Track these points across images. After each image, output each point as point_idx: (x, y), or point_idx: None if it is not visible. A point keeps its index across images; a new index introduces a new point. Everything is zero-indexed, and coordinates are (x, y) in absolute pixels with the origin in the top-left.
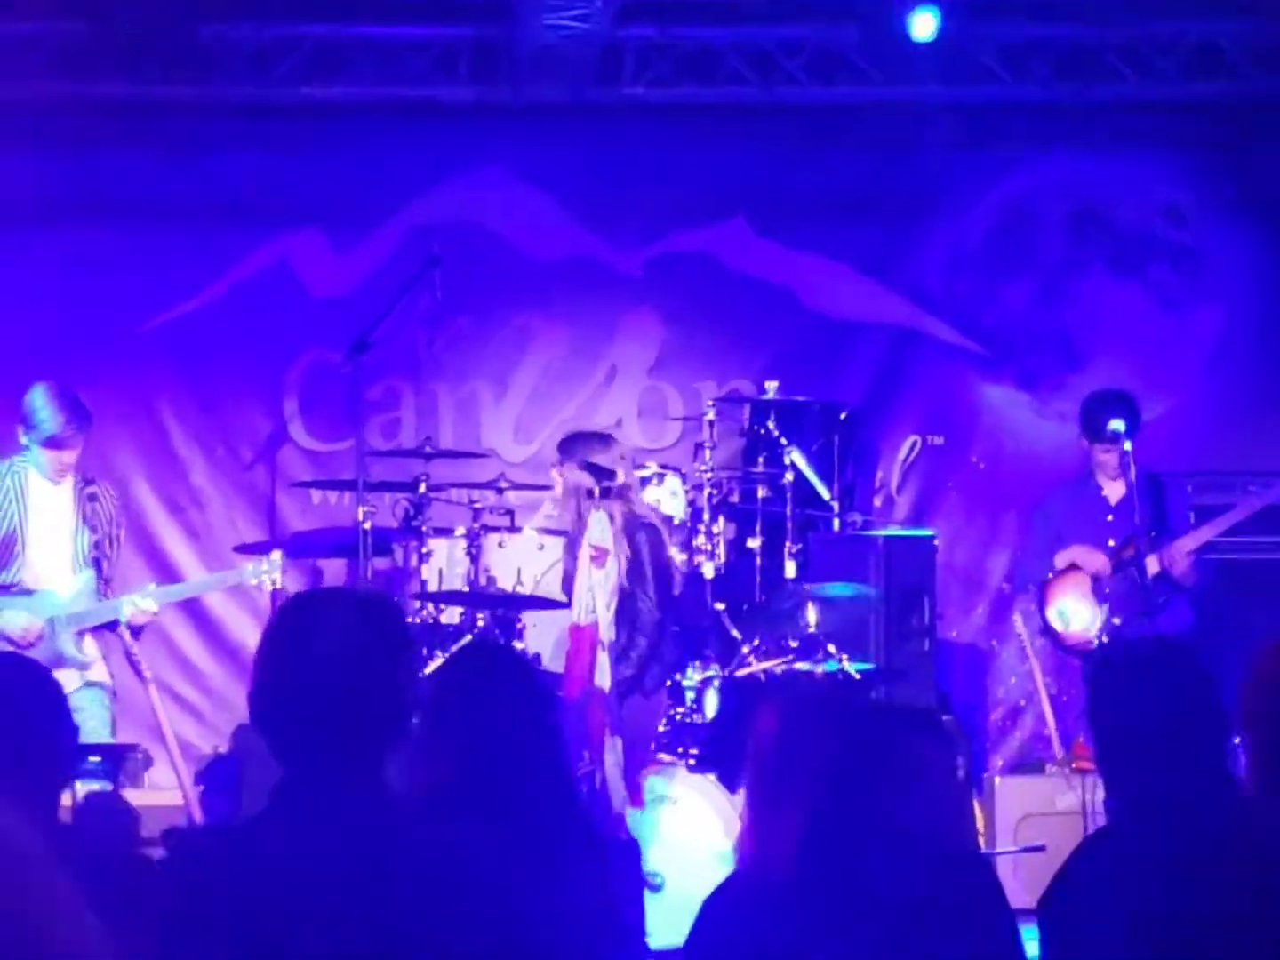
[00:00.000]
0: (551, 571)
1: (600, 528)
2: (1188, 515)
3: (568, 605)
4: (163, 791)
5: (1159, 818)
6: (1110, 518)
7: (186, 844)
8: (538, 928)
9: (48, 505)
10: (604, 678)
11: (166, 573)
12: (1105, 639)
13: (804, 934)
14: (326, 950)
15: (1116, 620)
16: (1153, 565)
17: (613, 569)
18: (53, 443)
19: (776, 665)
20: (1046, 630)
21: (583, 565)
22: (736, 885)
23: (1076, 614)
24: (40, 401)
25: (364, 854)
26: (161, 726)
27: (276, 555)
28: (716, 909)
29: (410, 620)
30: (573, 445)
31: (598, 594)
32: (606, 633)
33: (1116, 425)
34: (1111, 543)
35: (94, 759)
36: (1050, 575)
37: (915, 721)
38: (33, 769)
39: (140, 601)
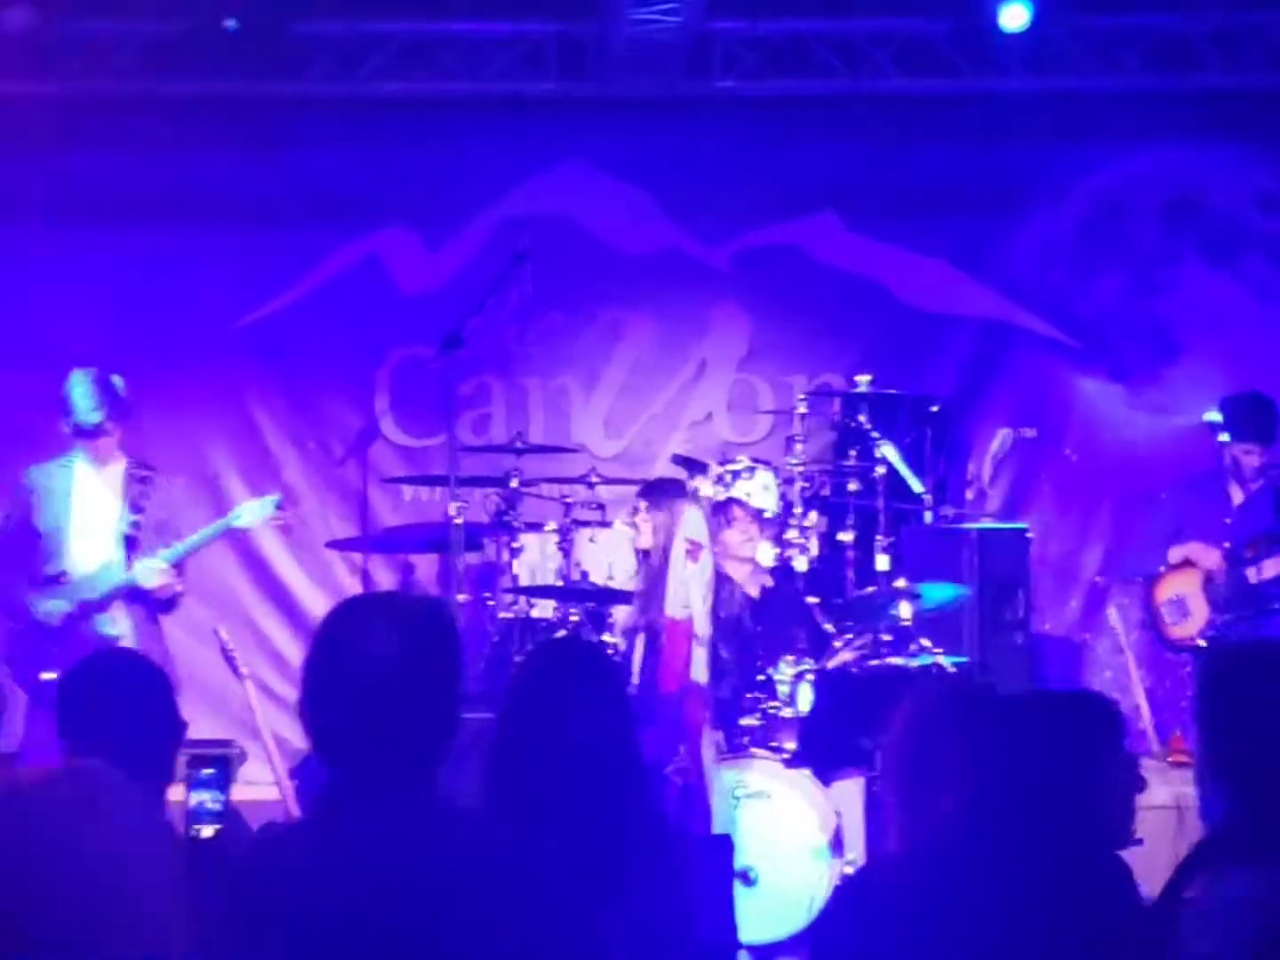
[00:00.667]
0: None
1: (695, 522)
2: None
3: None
4: (259, 786)
5: (1270, 821)
6: (1229, 520)
7: (237, 846)
8: (601, 938)
9: (93, 493)
10: (700, 671)
11: (259, 569)
12: (1208, 638)
13: (945, 922)
14: (371, 955)
15: (1223, 620)
16: (1269, 570)
17: (707, 563)
18: (85, 433)
19: (870, 659)
20: (1150, 623)
21: (677, 559)
22: (876, 873)
23: (1187, 610)
24: (78, 391)
25: (412, 860)
26: (257, 722)
27: (273, 496)
28: (852, 897)
29: (487, 603)
30: (656, 492)
31: (693, 588)
32: (702, 626)
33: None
34: (1228, 544)
35: (207, 771)
36: (1163, 569)
37: (1069, 705)
38: (140, 763)
39: (151, 563)
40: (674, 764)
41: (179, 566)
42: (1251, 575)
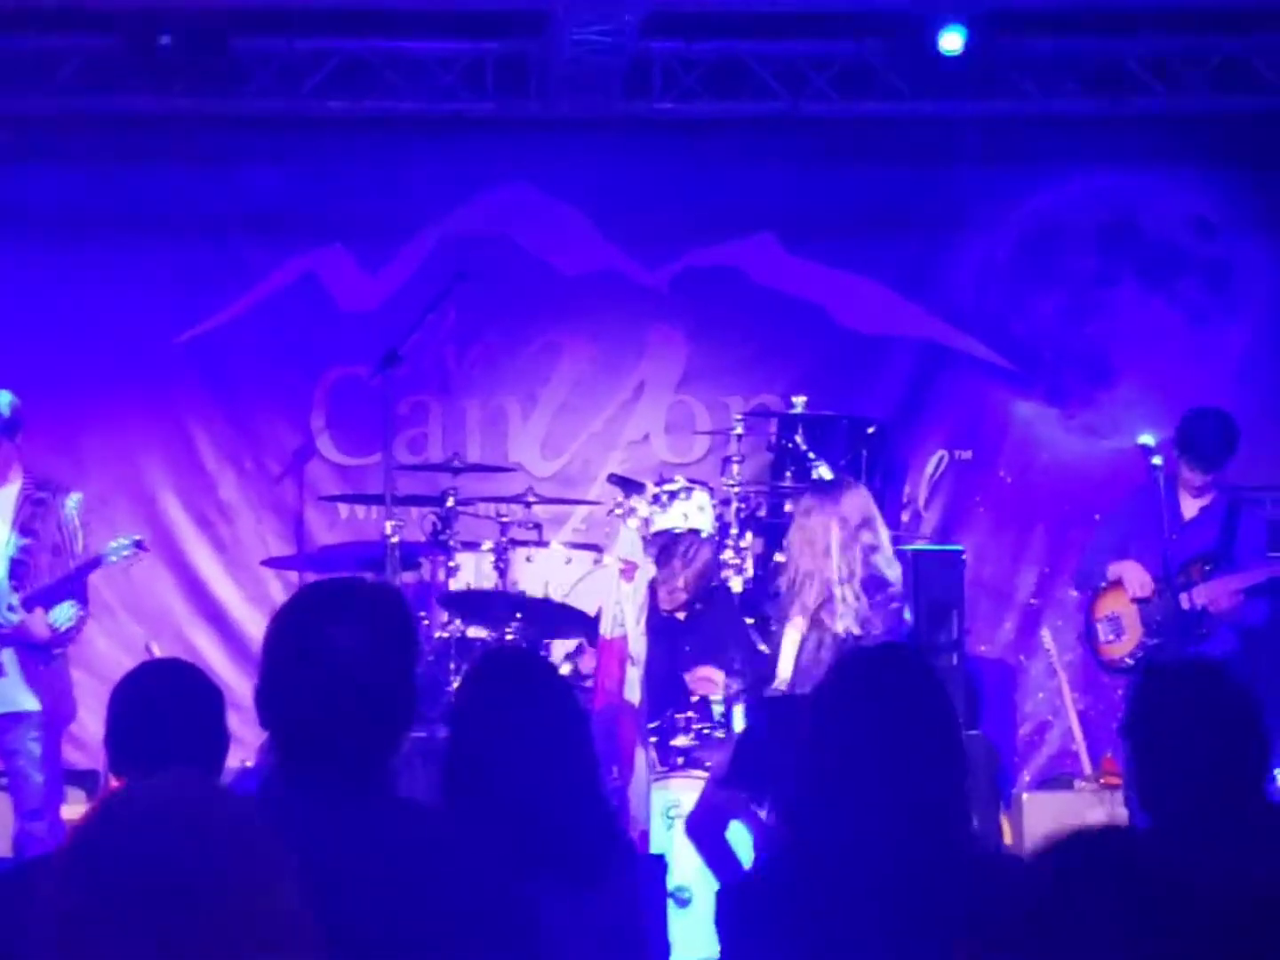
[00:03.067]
0: (581, 585)
1: (629, 542)
2: (1261, 541)
3: (593, 617)
4: None
5: (1194, 837)
6: (1175, 536)
7: None
8: (555, 942)
9: None
10: (634, 692)
11: (194, 587)
12: (1135, 659)
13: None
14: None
15: (1153, 643)
16: (1198, 597)
17: (641, 582)
18: None
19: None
20: (1086, 637)
21: (611, 579)
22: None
23: (1122, 628)
24: None
25: (367, 851)
26: None
27: (133, 535)
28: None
29: (422, 622)
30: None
31: (626, 607)
32: (636, 646)
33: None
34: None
35: None
36: (1103, 584)
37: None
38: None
39: (9, 599)
40: (607, 783)
41: (51, 600)
42: (1184, 600)
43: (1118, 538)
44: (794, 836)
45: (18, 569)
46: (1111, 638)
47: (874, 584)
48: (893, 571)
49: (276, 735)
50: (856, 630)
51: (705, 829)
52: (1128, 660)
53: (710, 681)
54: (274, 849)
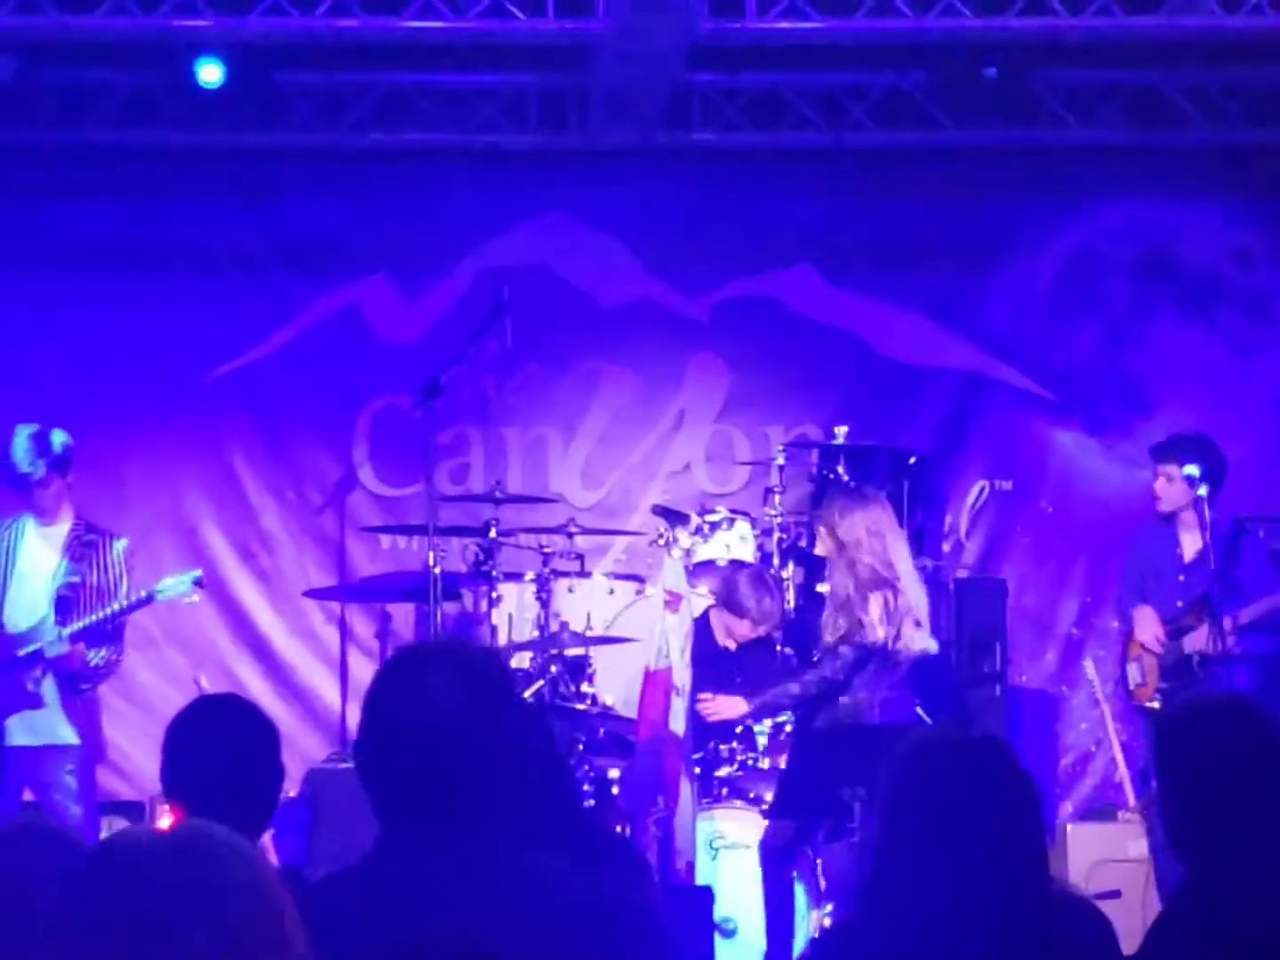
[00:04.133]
0: (624, 615)
1: (674, 573)
2: (1266, 568)
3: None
4: None
5: (1235, 878)
6: (1182, 577)
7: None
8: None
9: (35, 551)
10: (679, 722)
11: (236, 616)
12: (1156, 702)
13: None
14: None
15: (1162, 687)
16: (1194, 643)
17: (686, 613)
18: (22, 486)
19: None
20: (1122, 680)
21: (655, 610)
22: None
23: (1144, 670)
24: (17, 446)
25: (481, 908)
26: None
27: (194, 572)
28: (830, 947)
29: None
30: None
31: (671, 638)
32: (681, 677)
33: (1191, 470)
34: (1180, 604)
35: None
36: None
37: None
38: (242, 808)
39: (57, 632)
40: (653, 814)
41: (94, 639)
42: (1186, 645)
43: (1135, 577)
44: (876, 898)
45: (62, 604)
46: (1139, 680)
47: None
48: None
49: (376, 794)
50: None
51: (773, 863)
52: (1150, 704)
53: (717, 707)
54: (280, 902)
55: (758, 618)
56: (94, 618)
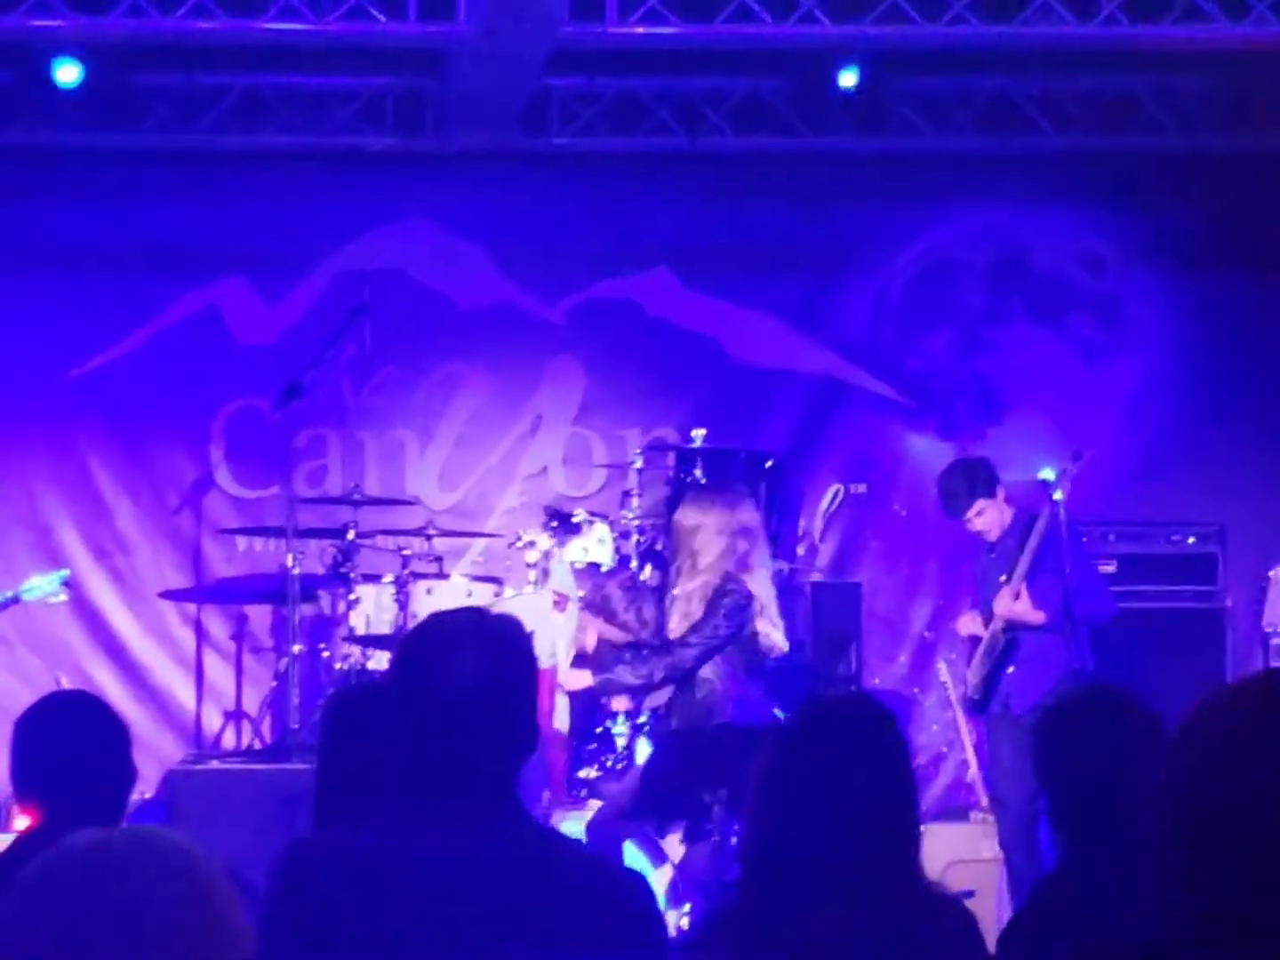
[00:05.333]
0: None
1: (561, 574)
2: (1053, 540)
3: None
4: None
5: (1107, 862)
6: (993, 554)
7: (311, 857)
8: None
9: None
10: (562, 720)
11: (92, 617)
12: (965, 694)
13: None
14: None
15: (973, 677)
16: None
17: (573, 614)
18: None
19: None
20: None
21: (544, 610)
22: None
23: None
24: None
25: (502, 876)
26: None
27: (62, 572)
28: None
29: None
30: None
31: (558, 639)
32: (566, 677)
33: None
34: (1004, 578)
35: None
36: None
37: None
38: (92, 806)
39: None
40: (537, 810)
41: None
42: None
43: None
44: (753, 870)
45: None
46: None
47: None
48: None
49: (400, 766)
50: None
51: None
52: (961, 700)
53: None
54: (228, 899)
55: (636, 626)
56: None
